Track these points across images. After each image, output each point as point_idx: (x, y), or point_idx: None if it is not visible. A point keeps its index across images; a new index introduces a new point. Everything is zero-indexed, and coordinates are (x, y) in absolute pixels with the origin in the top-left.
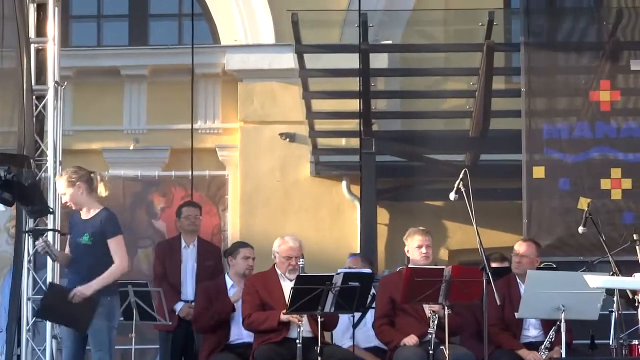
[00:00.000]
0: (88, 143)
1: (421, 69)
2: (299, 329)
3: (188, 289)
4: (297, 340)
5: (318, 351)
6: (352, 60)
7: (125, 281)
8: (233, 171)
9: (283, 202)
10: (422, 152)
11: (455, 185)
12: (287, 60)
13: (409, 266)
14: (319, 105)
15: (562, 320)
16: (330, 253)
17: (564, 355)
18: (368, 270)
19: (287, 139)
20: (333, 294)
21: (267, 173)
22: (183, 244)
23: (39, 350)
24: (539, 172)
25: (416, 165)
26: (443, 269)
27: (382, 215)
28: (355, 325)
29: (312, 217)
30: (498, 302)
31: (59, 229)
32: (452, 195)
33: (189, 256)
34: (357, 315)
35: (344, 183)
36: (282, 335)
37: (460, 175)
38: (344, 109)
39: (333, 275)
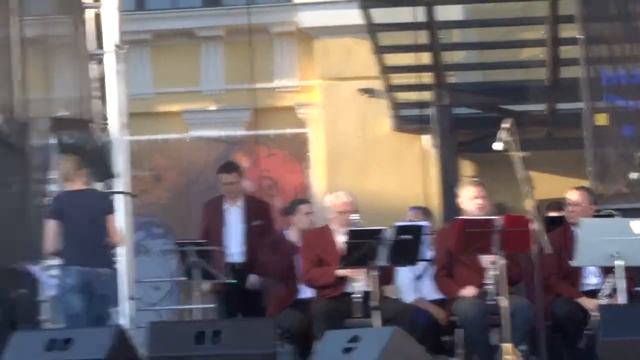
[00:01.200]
0: (168, 105)
1: (488, 20)
2: (356, 284)
3: (232, 250)
4: (355, 295)
5: (373, 305)
6: (420, 13)
7: (185, 240)
8: (313, 128)
9: (365, 157)
10: (497, 103)
11: (499, 135)
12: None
13: (460, 217)
14: (393, 59)
15: (617, 267)
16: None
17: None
18: (423, 223)
19: (367, 95)
20: (386, 247)
21: (348, 129)
22: (227, 204)
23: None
24: (601, 119)
25: (496, 117)
26: (494, 219)
27: (466, 167)
28: (419, 278)
29: (394, 171)
30: (547, 251)
31: (129, 192)
32: (495, 145)
33: (232, 217)
34: (422, 267)
35: (424, 137)
36: (340, 291)
37: (506, 125)
38: (418, 62)
39: (385, 229)
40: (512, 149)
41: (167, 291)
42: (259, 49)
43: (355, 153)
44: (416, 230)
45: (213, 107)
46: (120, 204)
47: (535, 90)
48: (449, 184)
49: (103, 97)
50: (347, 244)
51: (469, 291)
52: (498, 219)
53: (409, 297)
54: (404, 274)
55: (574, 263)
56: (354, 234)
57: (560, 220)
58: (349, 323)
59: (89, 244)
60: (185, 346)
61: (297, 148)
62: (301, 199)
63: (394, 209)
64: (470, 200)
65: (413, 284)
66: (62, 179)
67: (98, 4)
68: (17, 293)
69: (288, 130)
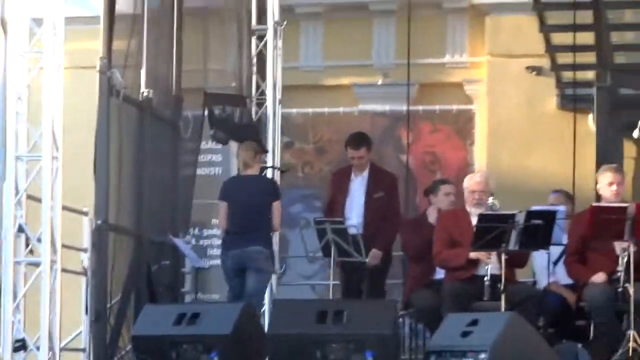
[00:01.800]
0: (338, 79)
1: None
2: (487, 267)
3: (353, 221)
4: (485, 278)
5: (502, 288)
6: None
7: (323, 219)
8: (480, 105)
9: (529, 136)
10: None
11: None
12: None
13: (593, 204)
14: (560, 38)
15: None
16: (577, 187)
17: None
18: (559, 208)
19: (534, 72)
20: (516, 232)
21: (514, 107)
22: (353, 175)
23: None
24: None
25: None
26: (627, 206)
27: (629, 149)
28: (556, 262)
29: (557, 150)
30: None
31: (278, 167)
32: (635, 133)
33: (356, 188)
34: (559, 252)
35: (590, 116)
36: (471, 272)
37: None
38: (585, 41)
39: (515, 214)
40: None
41: (319, 265)
42: (432, 24)
43: (519, 131)
44: (549, 215)
45: (380, 82)
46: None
47: None
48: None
49: (261, 73)
50: (477, 227)
51: (599, 277)
52: (631, 206)
53: (544, 280)
54: (540, 258)
55: None
56: (484, 218)
57: None
58: (477, 306)
59: (249, 226)
60: (307, 325)
61: (462, 124)
62: (443, 179)
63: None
64: (607, 186)
65: (549, 268)
66: (241, 164)
67: None
68: (159, 265)
69: (454, 107)
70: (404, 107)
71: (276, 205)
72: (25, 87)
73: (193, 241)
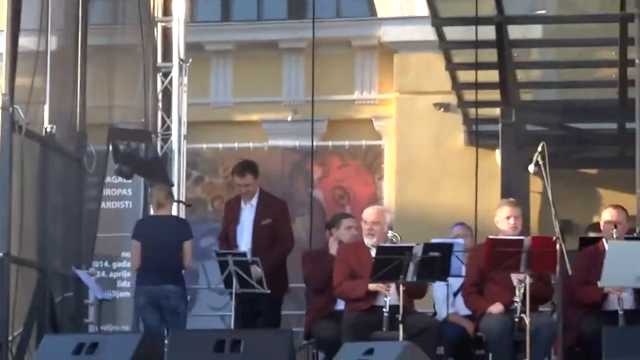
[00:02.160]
0: (248, 115)
1: (559, 40)
2: (385, 298)
3: (242, 248)
4: (384, 309)
5: (400, 319)
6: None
7: (225, 251)
8: (389, 140)
9: (437, 171)
10: (564, 122)
11: (534, 158)
12: (448, 31)
13: (490, 237)
14: (466, 76)
15: None
16: (487, 222)
17: None
18: (458, 240)
19: (442, 109)
20: (414, 264)
21: (422, 143)
22: (242, 203)
23: None
24: None
25: (567, 134)
26: (523, 239)
27: (536, 184)
28: (456, 293)
29: (464, 185)
30: (569, 272)
31: (183, 201)
32: (531, 168)
33: (245, 215)
34: (459, 283)
35: (497, 152)
36: (370, 303)
37: (539, 149)
38: (491, 79)
39: (413, 246)
40: (543, 173)
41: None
42: (341, 61)
43: (427, 166)
44: (446, 248)
45: (289, 118)
46: (174, 213)
47: (606, 110)
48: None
49: (167, 108)
50: (375, 259)
51: (496, 307)
52: (527, 239)
53: (443, 311)
54: (440, 289)
55: (601, 283)
56: (383, 250)
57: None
58: (376, 335)
59: (161, 264)
60: (205, 355)
61: (372, 159)
62: (345, 213)
63: (467, 222)
64: (505, 220)
65: (448, 299)
66: (154, 204)
67: (169, 18)
68: (63, 296)
69: (363, 142)
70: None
71: (187, 245)
72: None
73: (102, 273)
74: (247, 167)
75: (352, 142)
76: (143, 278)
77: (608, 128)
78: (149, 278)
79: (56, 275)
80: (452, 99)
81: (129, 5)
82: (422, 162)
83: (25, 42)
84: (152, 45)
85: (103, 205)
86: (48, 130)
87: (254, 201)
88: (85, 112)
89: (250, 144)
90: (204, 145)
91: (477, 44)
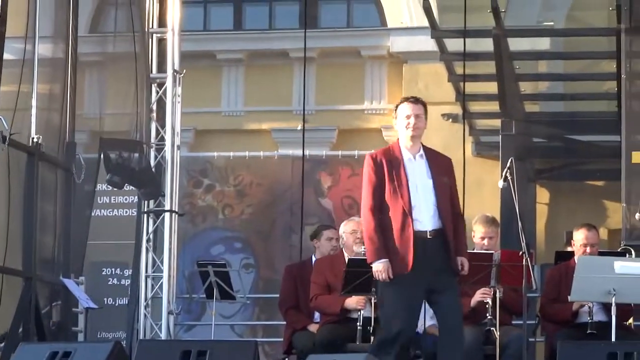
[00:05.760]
0: (258, 123)
1: (560, 53)
2: (359, 313)
3: None
4: (358, 323)
5: (371, 331)
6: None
7: (206, 262)
8: None
9: None
10: (562, 134)
11: (503, 173)
12: (451, 42)
13: None
14: (470, 87)
15: (614, 304)
16: None
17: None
18: None
19: (450, 120)
20: None
21: None
22: None
23: (156, 325)
24: (638, 157)
25: (571, 147)
26: (493, 254)
27: (543, 195)
28: None
29: (473, 196)
30: (534, 287)
31: (175, 210)
32: (500, 183)
33: None
34: None
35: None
36: (344, 316)
37: (507, 164)
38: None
39: None
40: (511, 188)
41: (240, 305)
42: (351, 71)
43: None
44: None
45: (299, 127)
46: (166, 222)
47: (607, 122)
48: (507, 211)
49: (161, 119)
50: (345, 272)
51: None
52: (496, 254)
53: (422, 323)
54: None
55: (571, 298)
56: (353, 263)
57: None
58: (350, 348)
59: None
60: None
61: None
62: (326, 224)
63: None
64: (479, 239)
65: (425, 312)
66: None
67: (164, 29)
68: (51, 305)
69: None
70: (324, 152)
71: None
72: None
73: (114, 281)
74: None
75: (361, 151)
76: None
77: (612, 140)
78: None
79: (44, 284)
80: (460, 110)
81: (120, 14)
82: None
83: (12, 50)
84: (145, 55)
85: (115, 212)
86: (35, 140)
87: None
88: (75, 122)
89: (261, 153)
90: (215, 154)
91: (477, 56)
